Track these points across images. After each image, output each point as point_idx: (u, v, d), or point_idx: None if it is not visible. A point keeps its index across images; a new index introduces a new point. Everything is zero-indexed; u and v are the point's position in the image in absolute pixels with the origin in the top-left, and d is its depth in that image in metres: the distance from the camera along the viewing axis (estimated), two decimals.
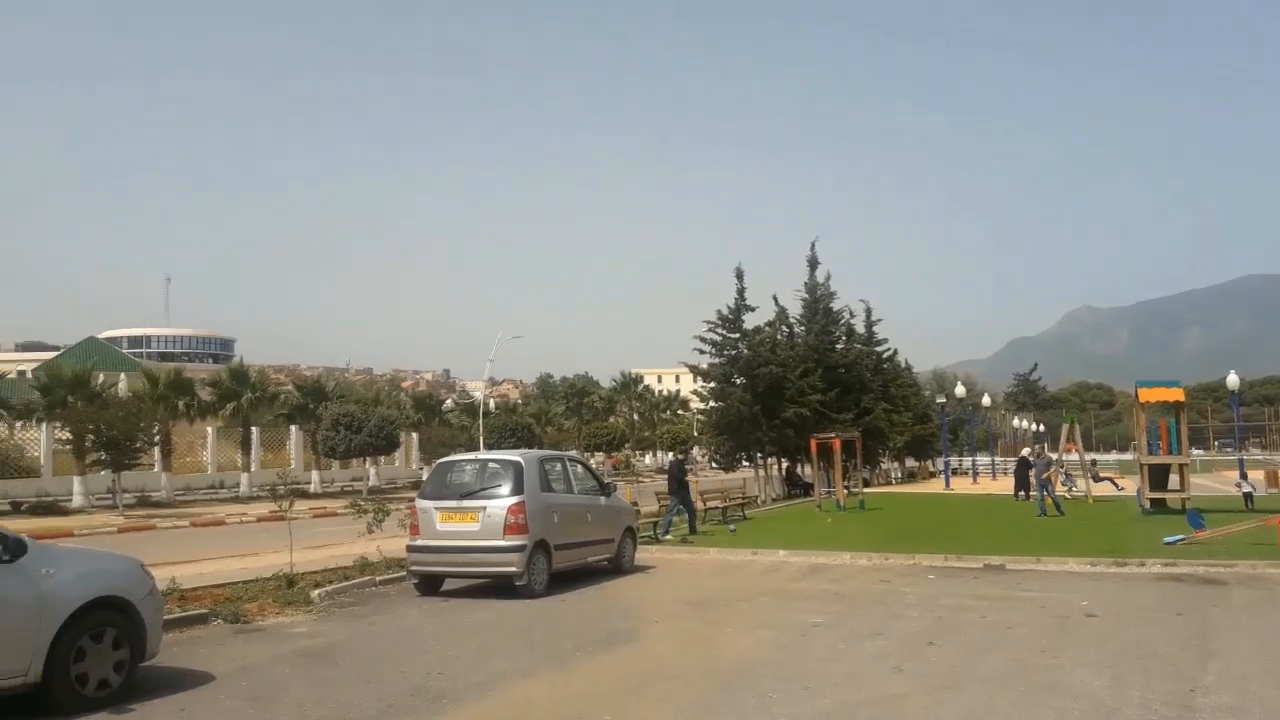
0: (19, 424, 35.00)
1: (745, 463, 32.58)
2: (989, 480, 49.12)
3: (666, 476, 22.06)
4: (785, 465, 35.07)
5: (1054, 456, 29.89)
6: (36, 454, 35.56)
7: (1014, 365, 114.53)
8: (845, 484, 29.15)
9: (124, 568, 7.74)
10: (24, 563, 6.79)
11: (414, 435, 52.01)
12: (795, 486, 34.62)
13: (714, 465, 35.18)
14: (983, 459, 59.70)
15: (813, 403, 30.80)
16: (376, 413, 40.21)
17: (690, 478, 21.89)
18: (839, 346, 36.43)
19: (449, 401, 62.47)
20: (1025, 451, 33.29)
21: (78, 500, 30.43)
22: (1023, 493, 29.83)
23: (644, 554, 16.24)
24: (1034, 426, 73.66)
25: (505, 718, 7.09)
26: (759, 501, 28.87)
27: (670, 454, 31.96)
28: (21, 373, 52.71)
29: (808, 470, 34.66)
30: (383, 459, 43.92)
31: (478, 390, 63.27)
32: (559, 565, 12.84)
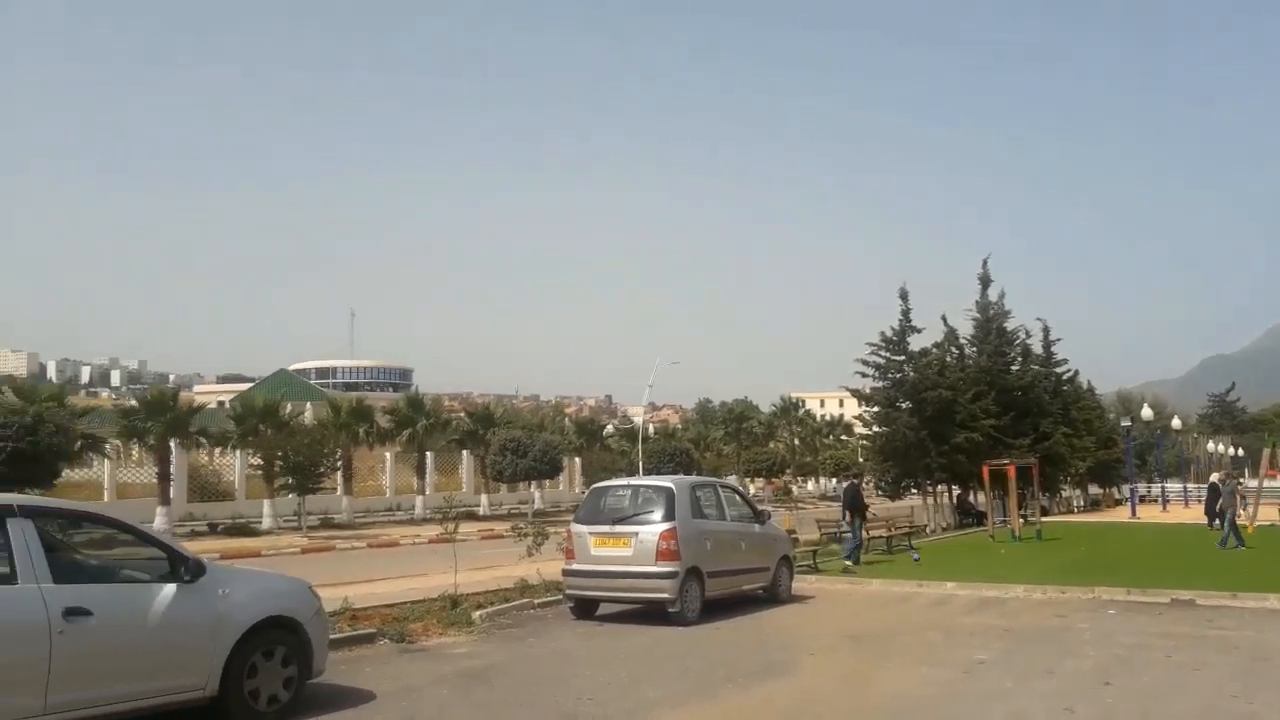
0: (217, 451, 37.52)
1: (913, 490, 31.57)
2: (1180, 508, 45.85)
3: (841, 502, 21.57)
4: (956, 493, 33.78)
5: (1240, 482, 27.56)
6: (231, 479, 38.07)
7: (1209, 385, 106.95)
8: (1021, 512, 27.79)
9: (293, 588, 8.12)
10: (203, 583, 7.22)
11: (577, 460, 52.94)
12: (967, 515, 33.25)
13: (879, 492, 34.22)
14: (1173, 485, 55.81)
15: (985, 427, 29.56)
16: (541, 438, 41.14)
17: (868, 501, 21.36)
18: (1014, 368, 34.82)
19: (610, 427, 63.33)
20: (1215, 477, 30.84)
21: (267, 522, 32.35)
22: (1217, 521, 27.68)
23: (802, 583, 15.90)
24: (1231, 451, 68.40)
25: None
26: (927, 531, 27.88)
27: (842, 479, 31.15)
28: (221, 403, 56.64)
29: (980, 498, 33.25)
30: (547, 483, 44.89)
31: (638, 415, 63.82)
32: (712, 593, 12.72)
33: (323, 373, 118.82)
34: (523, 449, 38.53)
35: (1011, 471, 26.78)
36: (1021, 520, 27.18)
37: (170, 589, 7.03)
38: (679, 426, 76.84)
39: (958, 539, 26.87)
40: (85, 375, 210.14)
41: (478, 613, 12.17)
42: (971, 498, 34.40)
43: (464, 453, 46.65)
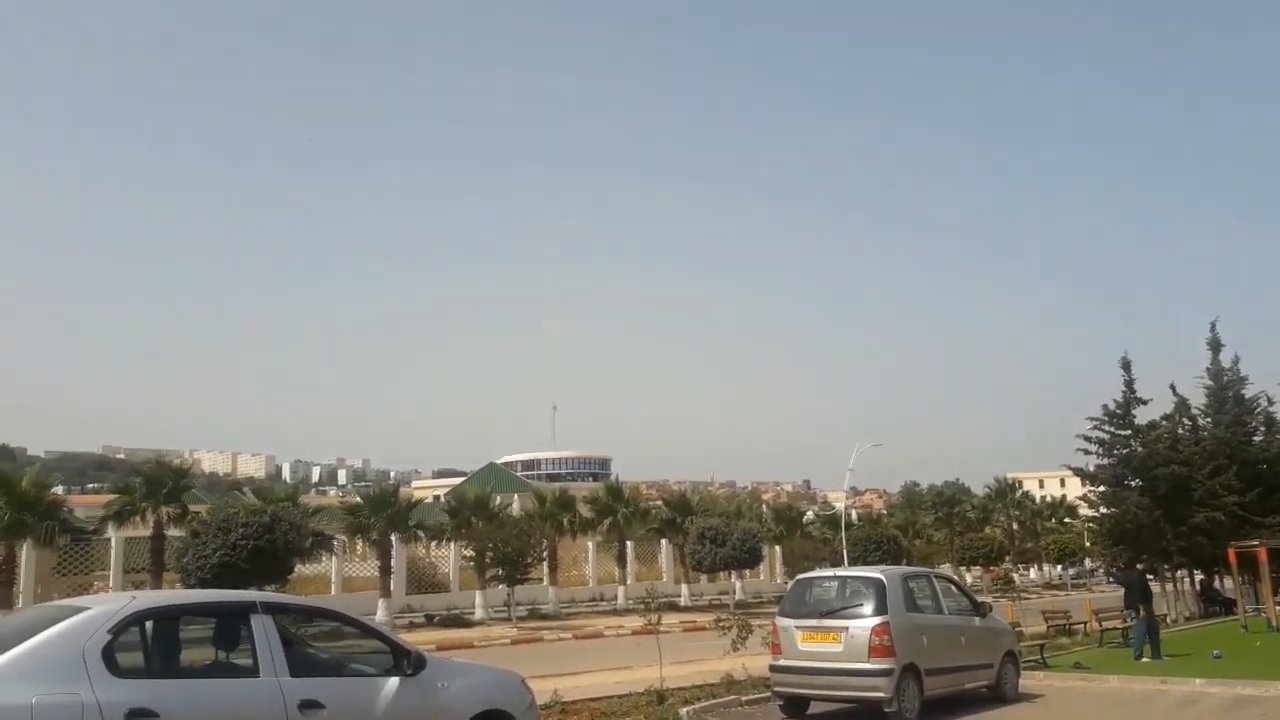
0: (433, 544, 39.20)
1: (1149, 576, 29.15)
2: None
3: (1124, 590, 20.04)
4: (1200, 579, 30.90)
5: None
6: (447, 570, 39.59)
7: None
8: (1277, 599, 25.06)
9: (508, 682, 8.26)
10: (424, 676, 7.45)
11: (776, 548, 51.95)
12: (1213, 603, 30.29)
13: (1110, 579, 31.71)
14: None
15: (1228, 505, 26.98)
16: (739, 526, 40.65)
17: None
18: (1257, 439, 31.77)
19: (809, 513, 61.87)
20: None
21: (479, 613, 33.34)
22: None
23: (1029, 680, 14.83)
24: None
25: None
26: (1168, 621, 25.56)
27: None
28: (436, 498, 59.36)
29: (1228, 584, 30.24)
30: (748, 572, 44.15)
31: (839, 501, 62.04)
32: (931, 691, 12.03)
33: (528, 464, 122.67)
34: (721, 537, 38.19)
35: (1262, 554, 24.26)
36: (1278, 608, 24.49)
37: (394, 682, 7.29)
38: (884, 512, 73.97)
39: (1204, 629, 24.47)
40: (315, 475, 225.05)
41: (685, 709, 12.00)
42: (1217, 584, 31.36)
43: (663, 541, 46.74)
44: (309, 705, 6.70)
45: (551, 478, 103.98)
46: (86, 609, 6.50)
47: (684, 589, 41.89)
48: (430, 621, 31.26)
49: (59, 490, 42.43)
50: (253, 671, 6.71)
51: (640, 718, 11.60)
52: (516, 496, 49.07)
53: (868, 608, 11.82)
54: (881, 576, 12.25)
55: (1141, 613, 18.22)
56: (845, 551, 42.86)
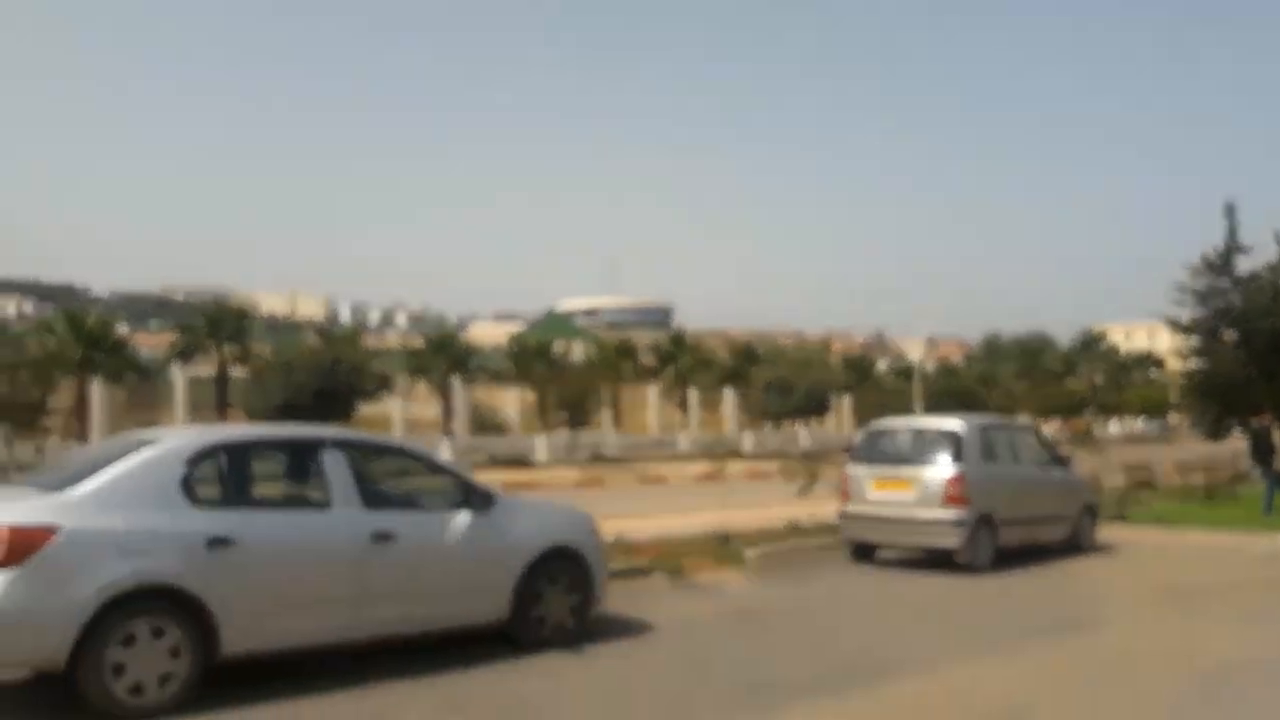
0: (494, 387, 39.78)
1: (1238, 429, 28.34)
2: None
3: (1251, 445, 19.61)
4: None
5: None
6: (507, 414, 40.29)
7: None
8: None
9: (576, 520, 8.21)
10: (494, 513, 7.42)
11: (845, 399, 51.81)
12: None
13: (1197, 433, 30.99)
14: None
15: None
16: (807, 376, 40.50)
17: None
18: None
19: (881, 364, 61.24)
20: None
21: (541, 456, 33.98)
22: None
23: (1107, 533, 14.57)
24: None
25: (942, 699, 6.56)
26: (1254, 477, 25.01)
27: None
28: (497, 346, 60.05)
29: None
30: (814, 422, 44.25)
31: (914, 352, 61.13)
32: (1005, 542, 11.86)
33: (588, 312, 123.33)
34: (789, 388, 38.14)
35: None
36: None
37: (465, 517, 7.27)
38: (962, 363, 72.03)
39: None
40: (374, 317, 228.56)
41: (749, 551, 11.99)
42: None
43: (727, 390, 46.87)
44: (381, 537, 6.71)
45: (612, 326, 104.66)
46: (164, 440, 6.50)
47: (748, 437, 42.17)
48: (494, 462, 31.92)
49: (123, 329, 43.50)
50: (325, 504, 6.73)
51: (705, 559, 11.62)
52: (578, 344, 49.35)
53: (943, 457, 11.56)
54: (958, 425, 11.95)
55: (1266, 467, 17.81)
56: (919, 403, 42.47)
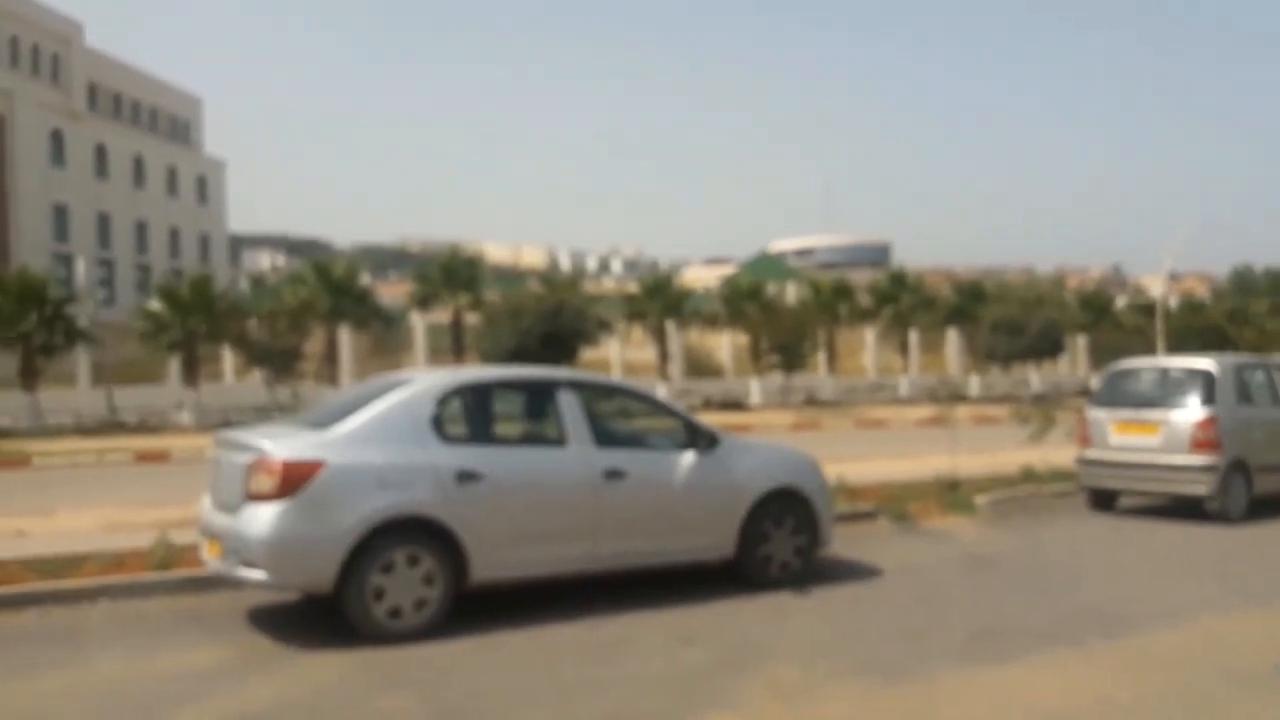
0: (707, 331, 40.02)
1: None
2: None
3: None
4: None
5: None
6: (721, 357, 40.48)
7: None
8: None
9: (800, 461, 8.21)
10: (718, 453, 7.54)
11: (1080, 339, 48.68)
12: None
13: None
14: None
15: None
16: (1040, 315, 38.27)
17: None
18: None
19: (1120, 301, 57.04)
20: None
21: (755, 398, 33.99)
22: None
23: None
24: None
25: (1198, 651, 6.17)
26: None
27: None
28: (708, 288, 60.19)
29: None
30: (1046, 364, 41.87)
31: (1155, 287, 56.53)
32: (1261, 490, 10.96)
33: (801, 252, 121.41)
34: (1018, 327, 36.17)
35: None
36: None
37: (690, 456, 7.42)
38: (1208, 299, 65.95)
39: None
40: (591, 264, 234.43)
41: (980, 498, 11.61)
42: None
43: (950, 331, 45.07)
44: (613, 474, 6.96)
45: (826, 266, 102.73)
46: (415, 382, 6.95)
47: (974, 380, 40.52)
48: (707, 405, 32.22)
49: (366, 280, 46.65)
50: (560, 442, 7.02)
51: (932, 504, 11.35)
52: (791, 285, 48.78)
53: (1192, 399, 10.75)
54: (1210, 365, 11.04)
55: None
56: (1163, 343, 39.42)
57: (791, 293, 44.41)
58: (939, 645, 6.27)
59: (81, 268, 47.97)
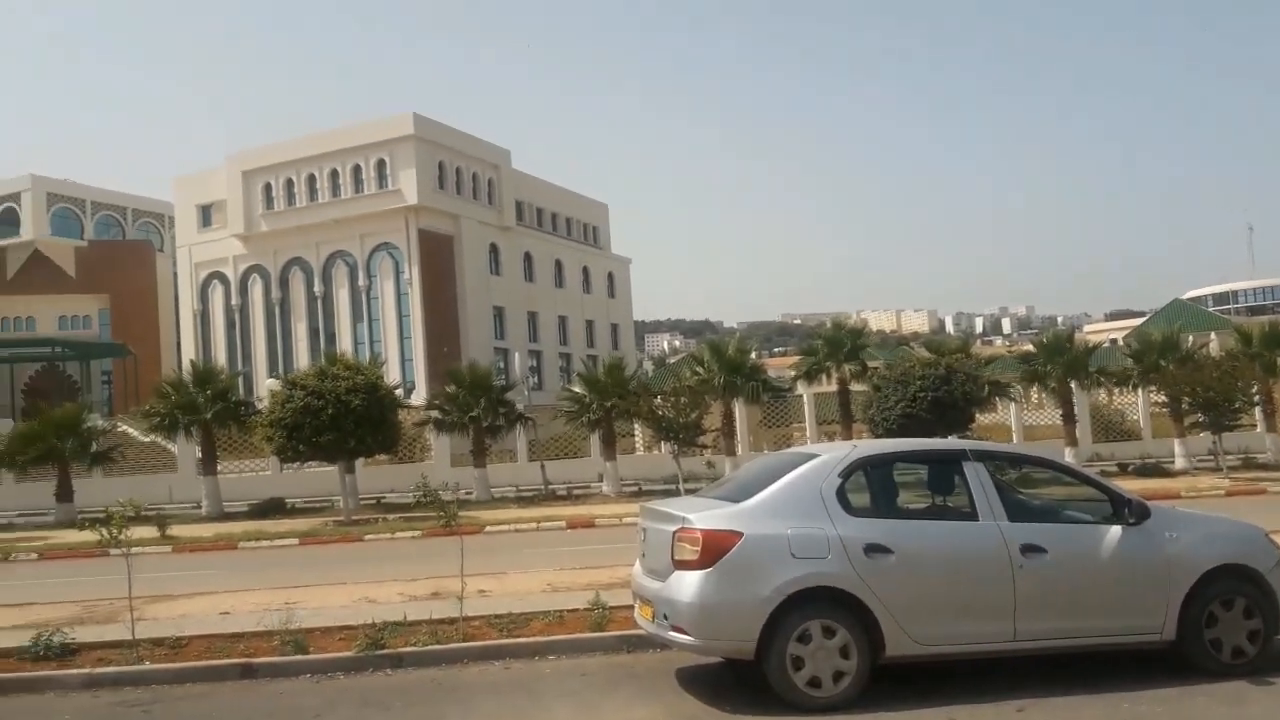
0: (1116, 389, 36.75)
1: None
2: None
3: None
4: None
5: None
6: (1135, 418, 36.95)
7: None
8: None
9: (1247, 534, 7.42)
10: (1148, 526, 7.01)
11: None
12: None
13: None
14: None
15: None
16: None
17: None
18: None
19: None
20: None
21: (1179, 462, 30.60)
22: None
23: None
24: None
25: None
26: None
27: None
28: (1114, 341, 55.43)
29: None
30: None
31: None
32: None
33: (1220, 298, 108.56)
34: None
35: None
36: None
37: (1115, 530, 6.98)
38: None
39: None
40: (979, 325, 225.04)
41: None
42: None
43: None
44: (1031, 549, 6.73)
45: (1253, 310, 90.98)
46: (817, 455, 7.21)
47: None
48: (1124, 470, 29.53)
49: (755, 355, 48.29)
50: (970, 515, 6.92)
51: None
52: (1213, 334, 43.74)
53: None
54: None
55: None
56: None
57: (1215, 343, 39.76)
58: None
59: (516, 359, 54.67)
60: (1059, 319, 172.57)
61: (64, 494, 27.75)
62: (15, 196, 66.92)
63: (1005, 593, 6.67)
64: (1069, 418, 32.04)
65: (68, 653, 8.64)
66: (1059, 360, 31.59)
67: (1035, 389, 34.86)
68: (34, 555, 19.36)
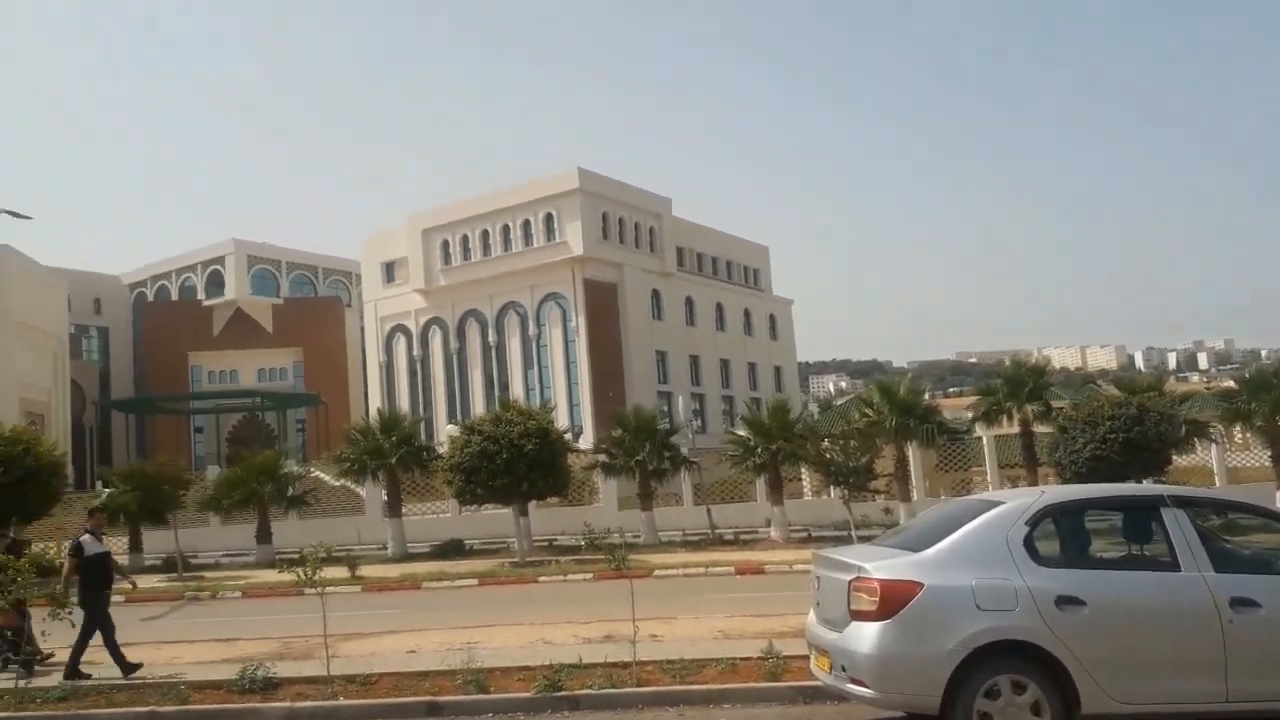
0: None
1: None
2: None
3: None
4: None
5: None
6: None
7: None
8: None
9: None
10: None
11: None
12: None
13: None
14: None
15: None
16: None
17: None
18: None
19: None
20: None
21: None
22: None
23: None
24: None
25: None
26: None
27: None
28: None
29: None
30: None
31: None
32: None
33: None
34: None
35: None
36: None
37: None
38: None
39: None
40: (1171, 361, 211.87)
41: None
42: None
43: None
44: (1242, 603, 6.25)
45: None
46: (1002, 503, 6.92)
47: None
48: None
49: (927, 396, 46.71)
50: (1171, 565, 6.49)
51: None
52: None
53: None
54: None
55: None
56: None
57: None
58: None
59: (680, 403, 55.03)
60: (1263, 352, 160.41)
61: (263, 535, 29.53)
62: (220, 260, 73.04)
63: (1215, 649, 6.20)
64: (1279, 459, 29.59)
65: (270, 686, 9.19)
66: (1265, 397, 29.27)
67: (1239, 428, 32.39)
68: (238, 593, 20.72)
